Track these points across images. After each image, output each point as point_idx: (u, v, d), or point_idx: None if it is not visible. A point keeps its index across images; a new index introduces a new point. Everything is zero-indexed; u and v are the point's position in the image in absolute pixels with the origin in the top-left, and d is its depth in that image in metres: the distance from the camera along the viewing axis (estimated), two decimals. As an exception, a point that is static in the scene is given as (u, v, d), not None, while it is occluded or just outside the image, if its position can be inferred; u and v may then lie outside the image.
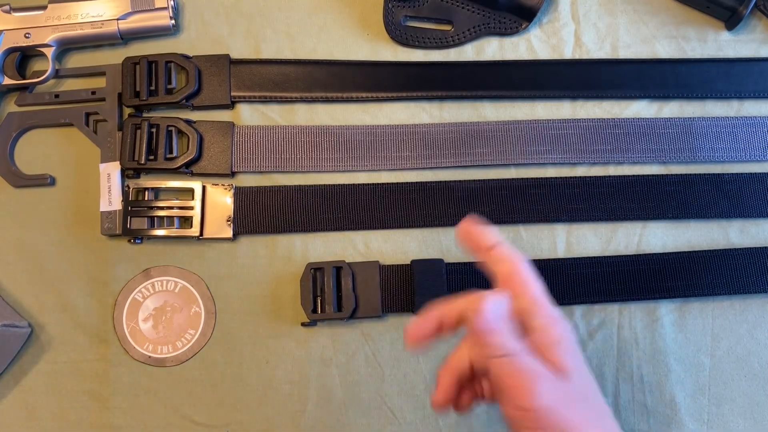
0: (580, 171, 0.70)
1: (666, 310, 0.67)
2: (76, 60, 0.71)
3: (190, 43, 0.71)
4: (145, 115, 0.69)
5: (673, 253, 0.68)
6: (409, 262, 0.66)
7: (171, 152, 0.68)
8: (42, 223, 0.68)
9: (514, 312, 0.47)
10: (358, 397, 0.65)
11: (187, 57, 0.69)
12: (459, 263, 0.67)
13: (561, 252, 0.68)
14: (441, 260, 0.66)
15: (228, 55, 0.70)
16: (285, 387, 0.65)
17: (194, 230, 0.66)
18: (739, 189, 0.69)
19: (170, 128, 0.68)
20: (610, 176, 0.69)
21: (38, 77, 0.69)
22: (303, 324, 0.65)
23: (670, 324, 0.67)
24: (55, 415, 0.65)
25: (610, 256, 0.68)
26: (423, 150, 0.69)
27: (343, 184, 0.68)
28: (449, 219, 0.68)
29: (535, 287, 0.48)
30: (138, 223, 0.66)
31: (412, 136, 0.69)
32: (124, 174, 0.68)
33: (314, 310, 0.65)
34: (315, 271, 0.65)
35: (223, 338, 0.66)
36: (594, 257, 0.67)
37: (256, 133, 0.69)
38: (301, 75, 0.70)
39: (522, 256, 0.49)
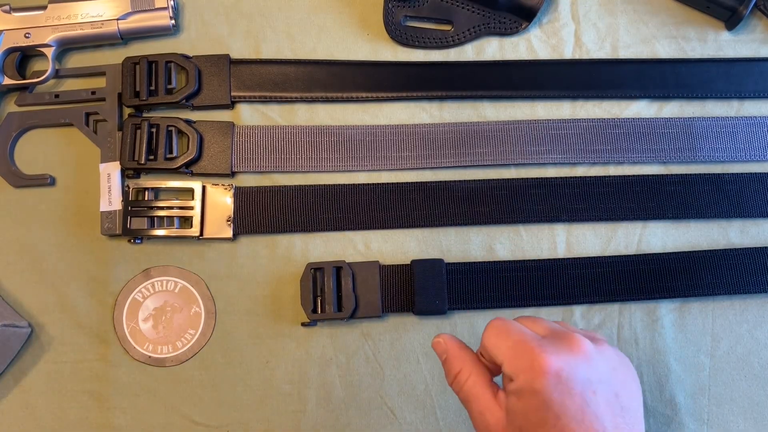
0: (580, 171, 0.70)
1: (666, 310, 0.67)
2: (76, 60, 0.71)
3: (190, 43, 0.71)
4: (145, 115, 0.69)
5: (673, 253, 0.68)
6: (409, 262, 0.66)
7: (171, 152, 0.68)
8: (42, 223, 0.68)
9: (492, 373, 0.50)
10: (358, 397, 0.65)
11: (187, 57, 0.69)
12: (459, 263, 0.67)
13: (561, 252, 0.68)
14: (441, 260, 0.66)
15: (228, 55, 0.70)
16: (285, 387, 0.65)
17: (194, 230, 0.66)
18: (740, 189, 0.69)
19: (170, 128, 0.68)
20: (610, 176, 0.69)
21: (38, 77, 0.69)
22: (303, 324, 0.65)
23: (670, 324, 0.67)
24: (55, 415, 0.65)
25: (610, 256, 0.68)
26: (423, 150, 0.69)
27: (343, 184, 0.68)
28: (449, 219, 0.68)
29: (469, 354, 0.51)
30: (138, 223, 0.66)
31: (412, 136, 0.69)
32: (124, 174, 0.68)
33: (314, 310, 0.65)
34: (315, 271, 0.65)
35: (223, 338, 0.66)
36: (594, 257, 0.67)
37: (256, 133, 0.69)
38: (301, 75, 0.70)
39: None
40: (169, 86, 0.69)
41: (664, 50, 0.72)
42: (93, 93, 0.69)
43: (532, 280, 0.66)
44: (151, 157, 0.67)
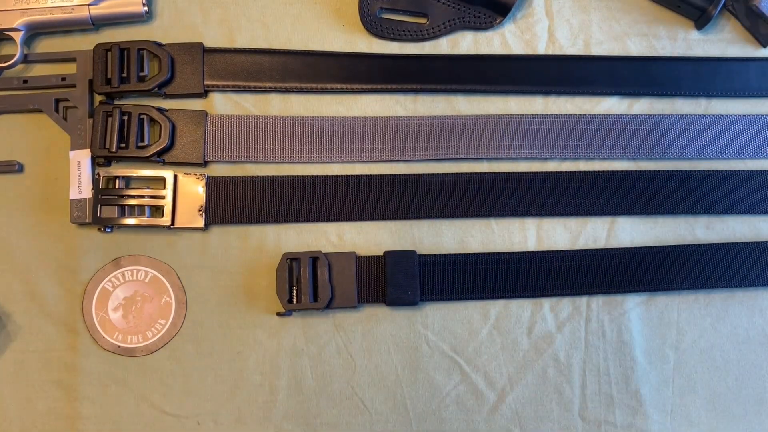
0: (551, 166, 0.71)
1: (633, 304, 0.68)
2: (46, 45, 0.70)
3: (163, 31, 0.71)
4: (116, 102, 0.68)
5: (641, 247, 0.69)
6: (381, 254, 0.66)
7: (143, 140, 0.67)
8: (9, 211, 0.67)
9: None
10: (329, 388, 0.65)
11: (159, 44, 0.69)
12: (431, 255, 0.67)
13: (531, 245, 0.69)
14: (413, 252, 0.66)
15: (201, 43, 0.69)
16: (256, 377, 0.65)
17: (165, 219, 0.66)
18: (706, 186, 0.70)
19: (142, 116, 0.67)
20: (580, 171, 0.70)
21: (6, 62, 0.67)
22: (278, 314, 0.65)
23: (636, 317, 0.68)
24: (22, 405, 0.64)
25: (579, 250, 0.69)
26: (397, 142, 0.69)
27: (317, 176, 0.68)
28: (422, 211, 0.68)
29: None
30: (108, 212, 0.66)
31: (387, 128, 0.69)
32: (95, 162, 0.67)
33: (290, 300, 0.65)
34: (291, 261, 0.65)
35: (194, 328, 0.66)
36: (563, 251, 0.68)
37: (229, 123, 0.68)
38: (276, 65, 0.70)
39: None
40: (142, 74, 0.68)
41: (636, 47, 0.73)
42: (63, 79, 0.68)
43: (503, 273, 0.67)
44: (123, 145, 0.66)
